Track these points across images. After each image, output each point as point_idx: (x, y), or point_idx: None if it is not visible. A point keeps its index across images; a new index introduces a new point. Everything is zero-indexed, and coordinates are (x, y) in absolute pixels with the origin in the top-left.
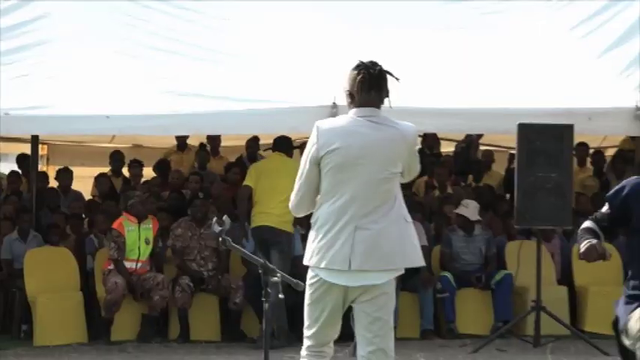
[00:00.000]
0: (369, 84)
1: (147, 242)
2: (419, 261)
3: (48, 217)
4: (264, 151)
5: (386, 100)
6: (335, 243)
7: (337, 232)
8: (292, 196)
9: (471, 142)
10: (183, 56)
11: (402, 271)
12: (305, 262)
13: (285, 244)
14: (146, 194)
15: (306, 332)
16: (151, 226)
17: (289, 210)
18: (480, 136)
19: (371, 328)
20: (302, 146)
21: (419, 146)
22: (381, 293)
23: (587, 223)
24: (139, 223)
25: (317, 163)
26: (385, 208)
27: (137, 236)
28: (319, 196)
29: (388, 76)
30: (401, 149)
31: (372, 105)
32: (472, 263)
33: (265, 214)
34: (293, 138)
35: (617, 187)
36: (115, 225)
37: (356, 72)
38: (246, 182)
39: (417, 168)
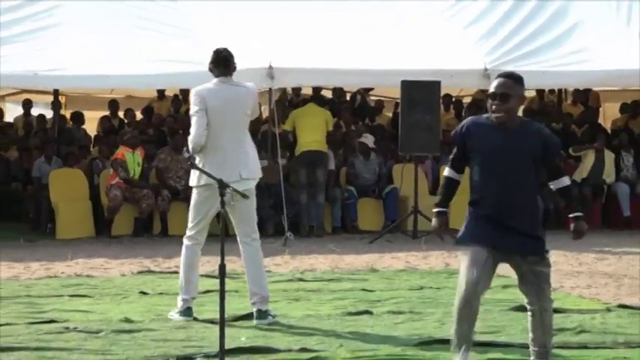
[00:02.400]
0: (217, 62)
1: (138, 165)
2: (258, 174)
3: (66, 148)
4: None
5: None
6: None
7: (220, 155)
8: (197, 133)
9: (355, 95)
10: (161, 33)
11: (256, 180)
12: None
13: (326, 161)
14: (135, 131)
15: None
16: (139, 153)
17: (323, 138)
18: (368, 89)
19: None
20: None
21: (330, 97)
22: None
23: (446, 172)
24: (133, 151)
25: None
26: (245, 138)
27: (133, 160)
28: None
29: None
30: (249, 99)
31: (224, 75)
32: (369, 180)
33: (309, 142)
34: None
35: (457, 129)
36: (118, 155)
37: (212, 55)
38: (285, 127)
39: (257, 110)
